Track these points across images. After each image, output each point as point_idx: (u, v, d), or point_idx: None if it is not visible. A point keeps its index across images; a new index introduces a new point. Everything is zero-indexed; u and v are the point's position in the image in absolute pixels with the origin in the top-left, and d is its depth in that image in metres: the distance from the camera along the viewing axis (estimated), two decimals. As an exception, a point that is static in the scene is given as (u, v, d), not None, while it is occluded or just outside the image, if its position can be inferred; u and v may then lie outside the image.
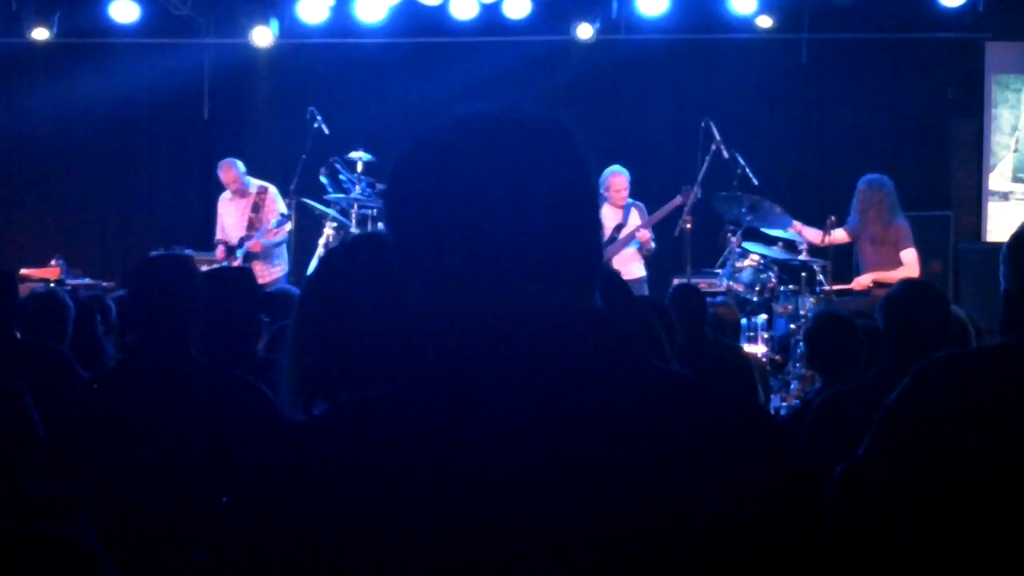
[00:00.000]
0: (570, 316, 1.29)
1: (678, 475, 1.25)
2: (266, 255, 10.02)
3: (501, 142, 1.29)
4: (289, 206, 10.02)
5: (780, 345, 8.96)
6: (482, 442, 1.24)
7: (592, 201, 1.34)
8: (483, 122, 1.31)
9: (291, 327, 2.01)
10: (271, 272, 10.01)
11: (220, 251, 10.04)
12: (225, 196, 10.20)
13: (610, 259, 9.61)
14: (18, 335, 4.78)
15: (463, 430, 1.25)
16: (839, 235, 9.15)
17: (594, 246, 1.34)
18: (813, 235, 9.27)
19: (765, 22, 11.05)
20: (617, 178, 9.73)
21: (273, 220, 9.91)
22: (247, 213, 10.01)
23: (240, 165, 10.07)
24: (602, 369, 1.29)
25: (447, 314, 1.29)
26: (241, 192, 10.06)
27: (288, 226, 10.00)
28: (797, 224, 9.31)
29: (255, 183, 10.11)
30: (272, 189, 10.07)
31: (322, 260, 2.10)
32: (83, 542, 2.21)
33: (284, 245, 10.18)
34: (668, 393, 1.31)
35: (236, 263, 9.78)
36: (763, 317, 9.05)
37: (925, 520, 2.80)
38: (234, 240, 10.02)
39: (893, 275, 8.73)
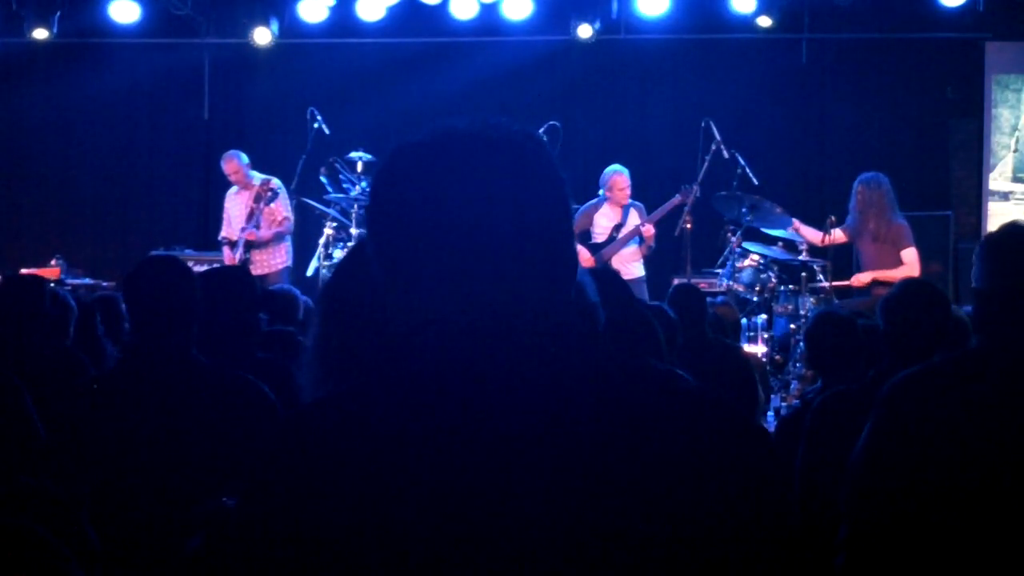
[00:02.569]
0: (541, 319, 1.33)
1: (648, 472, 1.28)
2: (266, 246, 9.96)
3: (476, 157, 1.34)
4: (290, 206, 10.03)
5: (780, 345, 8.97)
6: (459, 435, 1.28)
7: (564, 212, 1.39)
8: (460, 137, 1.36)
9: (317, 311, 2.04)
10: (272, 264, 9.97)
11: (227, 253, 10.02)
12: (232, 191, 10.15)
13: (609, 259, 9.61)
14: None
15: (437, 425, 1.29)
16: (838, 236, 9.15)
17: (566, 254, 1.39)
18: (813, 235, 9.27)
19: (765, 22, 11.06)
20: (620, 177, 9.73)
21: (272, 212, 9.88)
22: (250, 204, 9.95)
23: (243, 157, 9.99)
24: (588, 366, 1.33)
25: (424, 319, 1.34)
26: (245, 184, 10.03)
27: (286, 209, 9.94)
28: (797, 223, 9.31)
29: (259, 176, 10.07)
30: (275, 181, 9.99)
31: (352, 249, 2.14)
32: (36, 530, 2.20)
33: (288, 239, 10.14)
34: (638, 389, 1.34)
35: (238, 255, 9.77)
36: (763, 317, 9.06)
37: (914, 540, 2.80)
38: (238, 234, 9.99)
39: (893, 274, 8.73)
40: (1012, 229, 2.93)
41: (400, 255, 1.35)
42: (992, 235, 2.93)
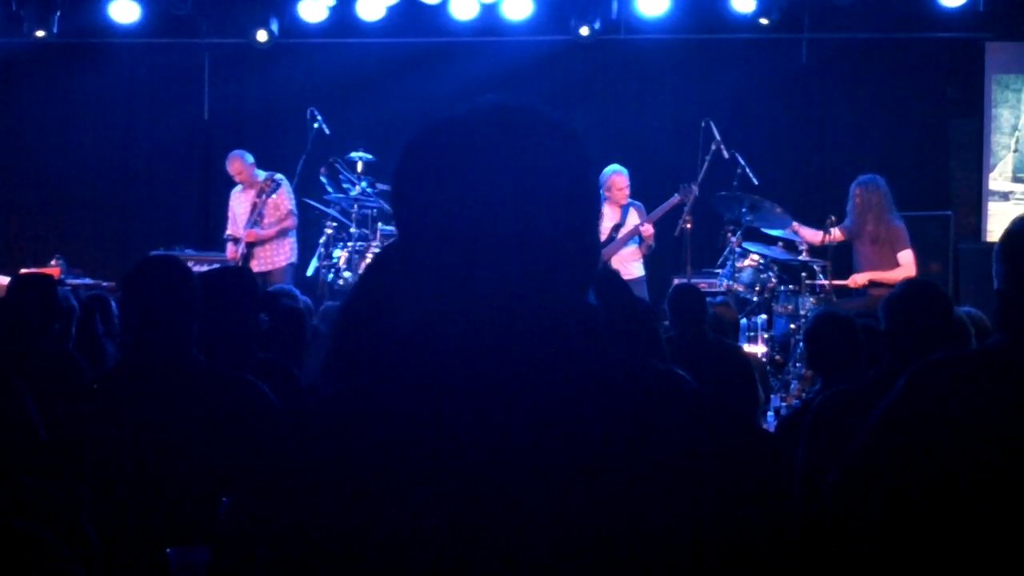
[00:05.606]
0: (562, 313, 1.32)
1: (650, 474, 1.27)
2: (269, 243, 9.96)
3: (509, 139, 1.31)
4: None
5: (780, 345, 8.97)
6: (460, 436, 1.27)
7: (594, 204, 1.37)
8: (494, 117, 1.33)
9: (341, 306, 2.05)
10: (275, 260, 9.96)
11: (230, 248, 10.02)
12: (236, 190, 10.19)
13: (609, 259, 9.61)
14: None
15: (456, 421, 1.28)
16: (837, 235, 9.15)
17: (592, 247, 1.37)
18: (812, 235, 9.27)
19: (765, 22, 11.05)
20: (619, 177, 9.75)
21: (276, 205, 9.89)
22: (253, 199, 9.97)
23: (248, 157, 10.05)
24: (590, 366, 1.32)
25: (444, 307, 1.32)
26: (250, 183, 10.05)
27: (290, 202, 9.95)
28: (796, 224, 9.31)
29: (264, 174, 10.08)
30: (278, 175, 10.01)
31: (377, 256, 2.16)
32: (36, 531, 2.20)
33: (292, 234, 10.13)
34: (640, 390, 1.34)
35: (240, 251, 9.79)
36: (763, 317, 9.06)
37: (919, 523, 2.80)
38: (242, 230, 10.00)
39: (889, 275, 8.75)
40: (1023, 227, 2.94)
41: (422, 234, 1.33)
42: (1006, 234, 2.93)
